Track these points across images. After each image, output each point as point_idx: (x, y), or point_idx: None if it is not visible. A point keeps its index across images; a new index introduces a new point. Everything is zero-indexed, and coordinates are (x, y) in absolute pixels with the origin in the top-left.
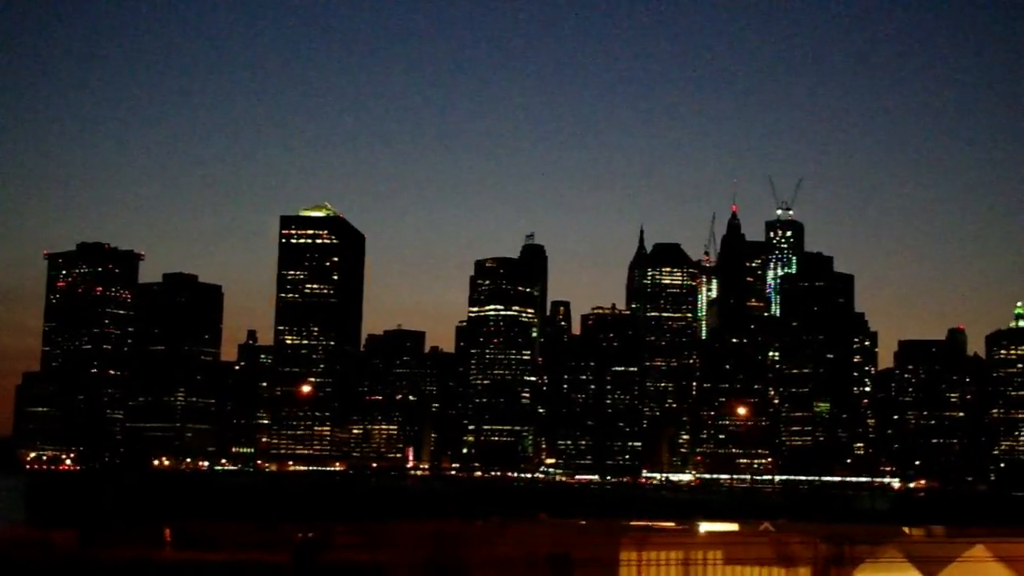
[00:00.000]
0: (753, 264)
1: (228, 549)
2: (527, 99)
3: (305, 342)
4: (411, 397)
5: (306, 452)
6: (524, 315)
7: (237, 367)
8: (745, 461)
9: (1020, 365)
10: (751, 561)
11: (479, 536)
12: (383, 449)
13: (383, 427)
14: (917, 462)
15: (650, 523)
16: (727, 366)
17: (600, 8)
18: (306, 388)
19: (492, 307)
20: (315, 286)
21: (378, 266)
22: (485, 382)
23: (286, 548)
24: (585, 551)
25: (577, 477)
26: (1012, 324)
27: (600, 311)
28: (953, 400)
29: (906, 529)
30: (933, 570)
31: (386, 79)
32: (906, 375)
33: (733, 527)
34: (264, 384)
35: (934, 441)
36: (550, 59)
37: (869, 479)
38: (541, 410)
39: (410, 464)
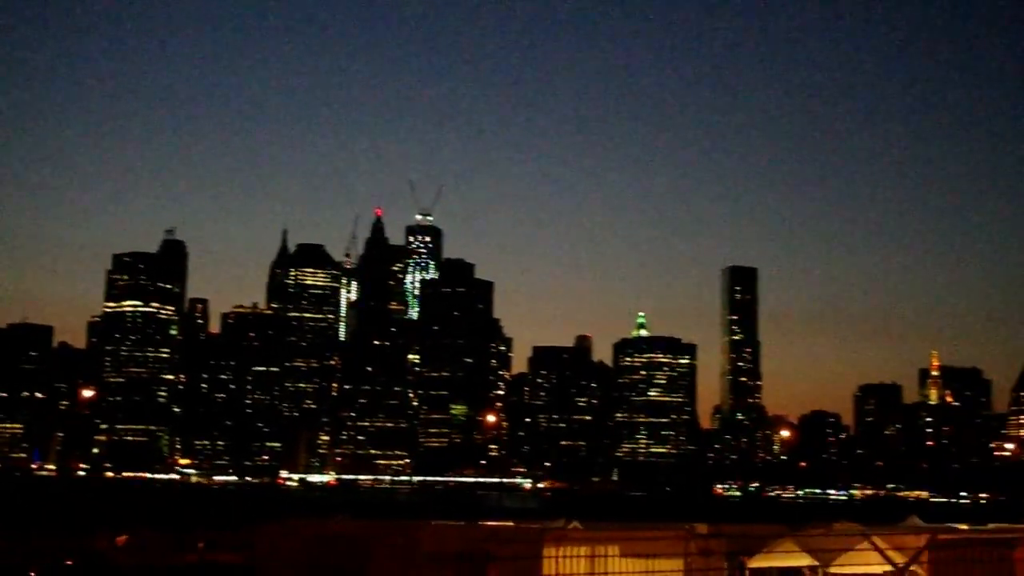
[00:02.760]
0: (395, 268)
1: None
2: (163, 87)
3: None
4: (38, 394)
5: None
6: (163, 312)
7: None
8: (383, 462)
9: (643, 372)
10: (644, 555)
11: (383, 536)
12: (6, 449)
13: (6, 426)
14: (547, 463)
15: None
16: (367, 368)
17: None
18: None
19: (129, 303)
20: None
21: (3, 254)
22: (119, 380)
23: None
24: (506, 549)
25: (214, 478)
26: (634, 333)
27: (241, 310)
28: (581, 404)
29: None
30: (825, 559)
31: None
32: (538, 380)
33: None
34: None
35: (563, 443)
36: (190, 52)
37: (501, 479)
38: (177, 409)
39: (35, 465)
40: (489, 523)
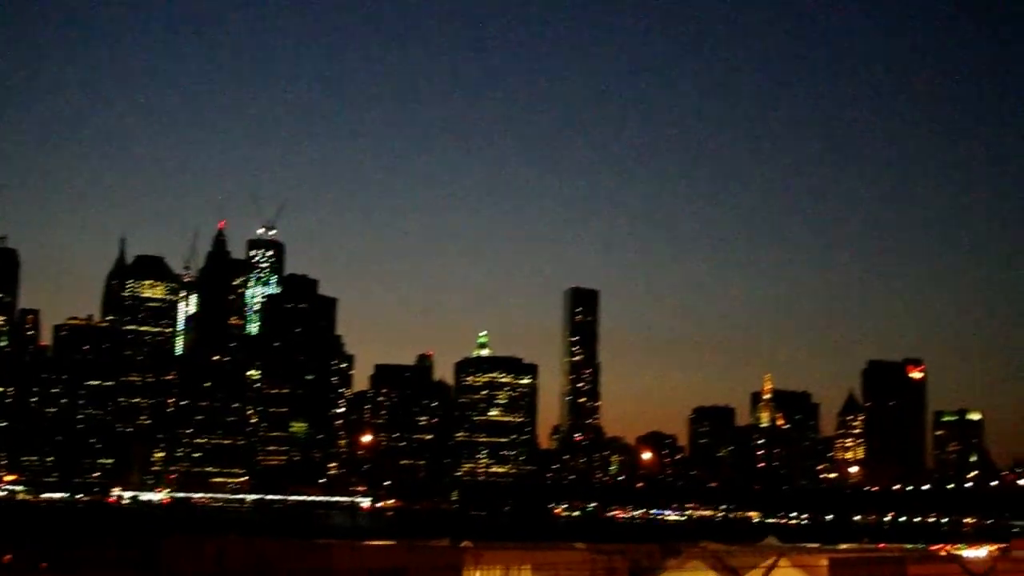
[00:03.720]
0: (235, 282)
1: None
2: None
3: None
4: None
5: None
6: None
7: None
8: (220, 480)
9: (484, 392)
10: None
11: (294, 556)
12: None
13: None
14: (387, 482)
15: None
16: (205, 383)
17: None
18: None
19: None
20: None
21: None
22: None
23: None
24: (426, 567)
25: (43, 495)
26: (476, 352)
27: (75, 322)
28: (422, 423)
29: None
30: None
31: None
32: (380, 397)
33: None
34: None
35: (403, 462)
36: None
37: (340, 498)
38: (4, 424)
39: None
40: (406, 541)
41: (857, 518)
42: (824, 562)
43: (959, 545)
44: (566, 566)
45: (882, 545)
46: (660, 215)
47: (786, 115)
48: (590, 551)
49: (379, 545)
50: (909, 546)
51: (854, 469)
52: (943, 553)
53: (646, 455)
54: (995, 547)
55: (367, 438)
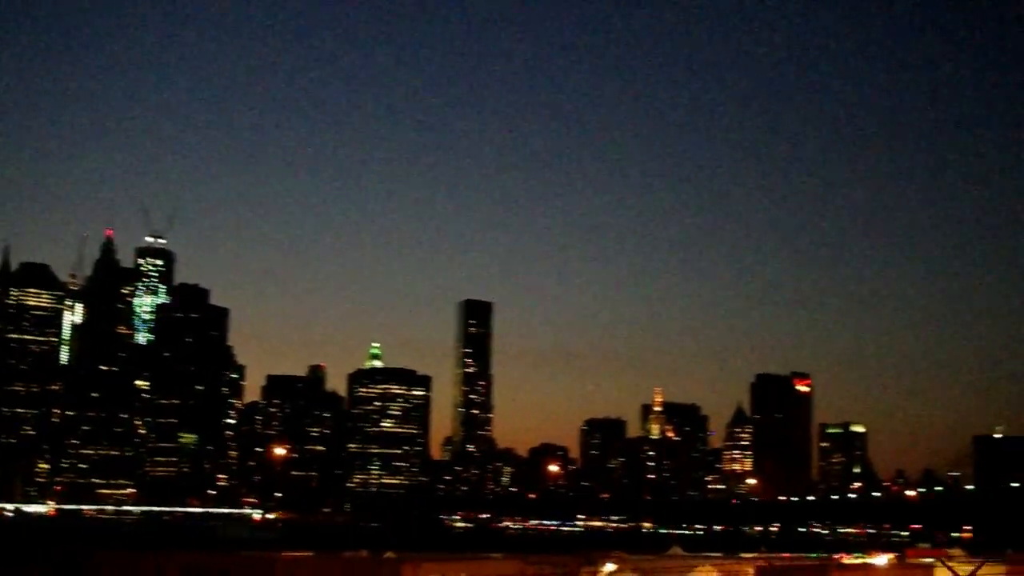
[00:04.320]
0: (124, 291)
1: None
2: None
3: None
4: None
5: None
6: None
7: None
8: (107, 491)
9: (377, 403)
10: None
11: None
12: None
13: None
14: (278, 494)
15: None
16: (92, 393)
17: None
18: None
19: None
20: None
21: None
22: None
23: None
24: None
25: None
26: (368, 364)
27: None
28: (314, 434)
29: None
30: None
31: None
32: (272, 408)
33: None
34: None
35: (294, 473)
36: None
37: (230, 510)
38: None
39: None
40: (345, 554)
41: (745, 529)
42: (751, 570)
43: (857, 554)
44: (499, 574)
45: (787, 555)
46: (553, 229)
47: (667, 128)
48: (522, 561)
49: (317, 557)
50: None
51: (752, 481)
52: (845, 561)
53: (553, 467)
54: (893, 555)
55: (280, 451)
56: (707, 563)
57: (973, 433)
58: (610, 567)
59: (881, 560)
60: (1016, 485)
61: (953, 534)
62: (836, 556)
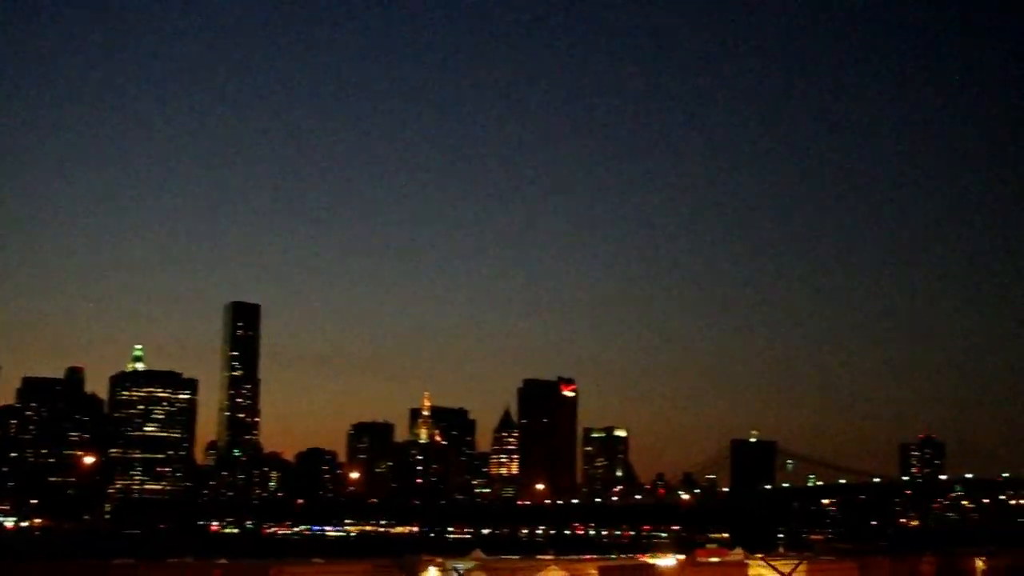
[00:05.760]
0: None
1: None
2: None
3: None
4: None
5: None
6: None
7: None
8: None
9: (140, 407)
10: None
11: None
12: None
13: None
14: (34, 500)
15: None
16: None
17: None
18: None
19: None
20: None
21: None
22: None
23: None
24: None
25: None
26: (131, 366)
27: None
28: (73, 439)
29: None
30: None
31: None
32: (28, 412)
33: None
34: None
35: (52, 479)
36: None
37: None
38: None
39: None
40: (219, 561)
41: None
42: (593, 571)
43: (648, 554)
44: None
45: (587, 556)
46: (321, 230)
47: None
48: (371, 563)
49: (184, 562)
50: (615, 556)
51: (538, 488)
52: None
53: (353, 474)
54: (682, 556)
55: (89, 459)
56: (554, 564)
57: (731, 437)
58: (434, 572)
59: (669, 561)
60: (768, 487)
61: (712, 535)
62: (641, 556)
